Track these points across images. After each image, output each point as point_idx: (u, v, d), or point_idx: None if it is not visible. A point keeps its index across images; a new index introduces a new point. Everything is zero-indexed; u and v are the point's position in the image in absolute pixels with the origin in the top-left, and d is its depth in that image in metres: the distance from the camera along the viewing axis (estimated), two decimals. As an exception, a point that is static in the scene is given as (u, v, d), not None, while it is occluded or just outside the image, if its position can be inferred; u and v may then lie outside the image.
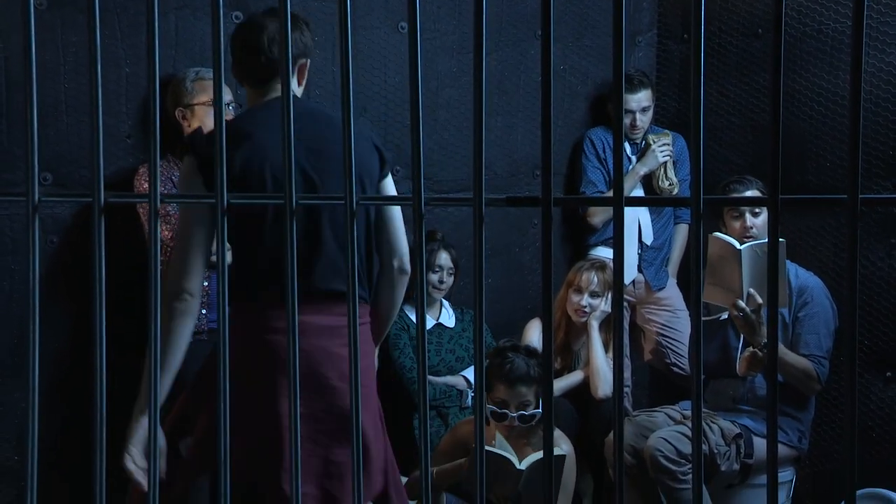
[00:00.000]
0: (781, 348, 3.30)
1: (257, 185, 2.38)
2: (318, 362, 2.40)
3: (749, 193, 3.48)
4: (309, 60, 2.58)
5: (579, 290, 3.77)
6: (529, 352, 3.21)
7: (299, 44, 2.53)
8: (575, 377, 3.78)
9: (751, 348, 3.32)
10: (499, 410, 3.08)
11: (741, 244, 3.22)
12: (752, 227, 3.43)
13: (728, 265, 3.21)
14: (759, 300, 3.17)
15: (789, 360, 3.32)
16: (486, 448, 2.93)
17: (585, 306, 3.75)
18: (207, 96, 3.31)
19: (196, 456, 2.45)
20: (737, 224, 3.46)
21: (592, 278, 3.75)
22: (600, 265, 3.81)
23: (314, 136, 2.42)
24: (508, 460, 2.92)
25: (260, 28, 2.48)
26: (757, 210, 3.44)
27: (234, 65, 2.55)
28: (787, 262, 3.41)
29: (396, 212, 2.58)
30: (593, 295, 3.75)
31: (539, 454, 2.98)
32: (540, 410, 3.10)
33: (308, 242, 2.43)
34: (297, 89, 2.58)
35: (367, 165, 2.51)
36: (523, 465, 2.93)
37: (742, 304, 3.18)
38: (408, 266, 2.62)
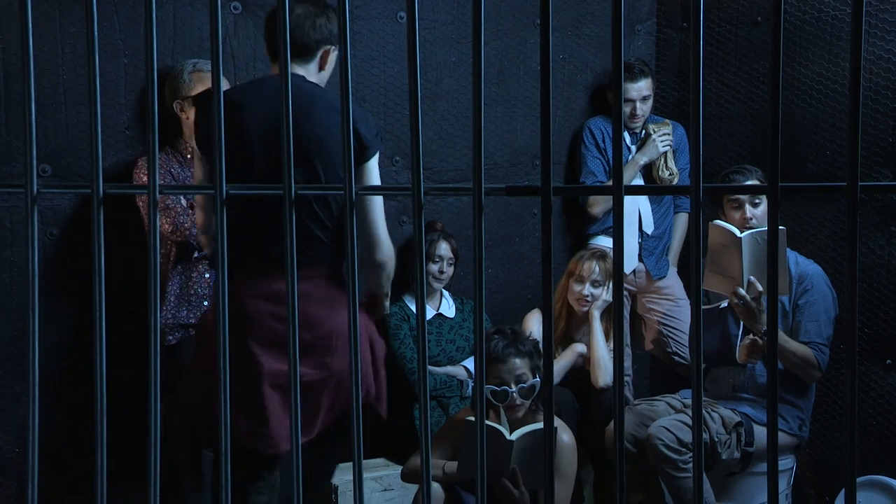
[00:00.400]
0: (782, 336, 3.30)
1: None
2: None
3: (751, 182, 3.47)
4: (334, 48, 2.67)
5: (580, 280, 3.77)
6: (515, 332, 3.23)
7: (324, 30, 2.72)
8: (575, 350, 3.77)
9: (751, 336, 3.33)
10: (498, 388, 3.09)
11: (741, 232, 3.21)
12: (751, 218, 3.42)
13: (728, 253, 3.21)
14: (760, 288, 3.17)
15: (790, 348, 3.32)
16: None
17: (587, 296, 3.75)
18: (205, 87, 3.30)
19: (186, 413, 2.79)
20: (736, 214, 3.45)
21: (594, 268, 3.75)
22: (601, 254, 3.81)
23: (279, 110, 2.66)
24: (499, 431, 2.92)
25: (290, 11, 2.67)
26: (757, 200, 3.44)
27: (266, 42, 2.80)
28: (788, 250, 3.41)
29: (372, 202, 2.69)
30: (595, 284, 3.75)
31: (530, 426, 2.99)
32: (538, 379, 3.10)
33: (273, 214, 2.59)
34: (316, 76, 2.74)
35: (322, 144, 2.62)
36: (514, 437, 2.93)
37: (742, 291, 3.18)
38: (380, 257, 2.76)
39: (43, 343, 3.32)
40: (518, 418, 3.12)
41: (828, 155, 3.92)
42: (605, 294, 3.76)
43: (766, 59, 4.04)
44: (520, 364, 3.11)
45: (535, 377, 3.12)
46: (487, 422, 2.95)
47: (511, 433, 2.97)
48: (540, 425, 3.06)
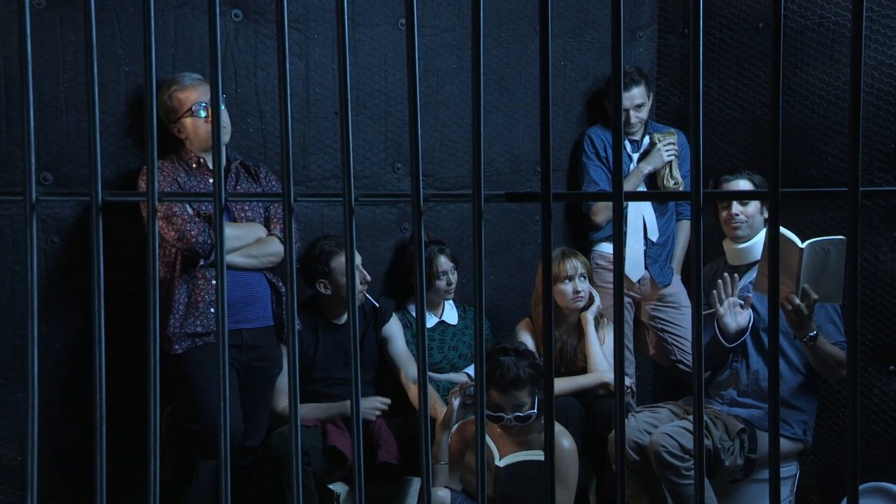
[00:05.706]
0: (822, 341, 3.28)
1: None
2: None
3: (741, 182, 3.49)
4: None
5: (567, 279, 3.75)
6: (519, 353, 3.18)
7: None
8: (590, 379, 3.74)
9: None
10: (493, 414, 3.06)
11: (803, 242, 3.17)
12: (738, 215, 3.44)
13: (785, 259, 3.16)
14: (815, 296, 3.14)
15: (831, 352, 3.30)
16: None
17: (580, 291, 3.74)
18: (186, 104, 3.30)
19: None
20: (724, 213, 3.47)
21: (574, 264, 3.76)
22: (570, 252, 3.83)
23: None
24: (489, 455, 2.92)
25: None
26: None
27: None
28: None
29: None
30: (581, 278, 3.76)
31: (519, 454, 2.98)
32: (535, 411, 3.09)
33: None
34: None
35: None
36: (502, 463, 2.93)
37: (797, 299, 3.14)
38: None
39: (46, 351, 3.32)
40: (510, 434, 3.11)
41: (829, 160, 3.91)
42: (597, 298, 3.79)
43: (768, 65, 4.03)
44: (519, 395, 3.08)
45: (533, 406, 3.10)
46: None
47: (500, 458, 2.97)
48: (530, 454, 3.06)
